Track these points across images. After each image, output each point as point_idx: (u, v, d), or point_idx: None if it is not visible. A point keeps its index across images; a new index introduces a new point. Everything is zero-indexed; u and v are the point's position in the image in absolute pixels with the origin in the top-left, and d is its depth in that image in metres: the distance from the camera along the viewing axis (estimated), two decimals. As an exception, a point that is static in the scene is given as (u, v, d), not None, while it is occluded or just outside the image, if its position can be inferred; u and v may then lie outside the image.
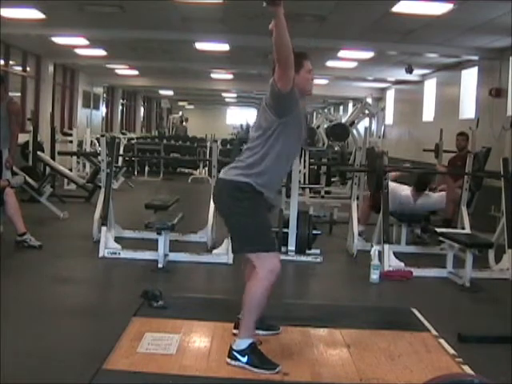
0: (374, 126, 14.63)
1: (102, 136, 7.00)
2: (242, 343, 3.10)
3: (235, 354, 3.10)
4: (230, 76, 16.53)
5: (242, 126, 28.58)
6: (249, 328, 3.13)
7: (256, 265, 3.10)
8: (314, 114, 27.65)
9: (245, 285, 3.20)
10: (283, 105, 3.06)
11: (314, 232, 6.26)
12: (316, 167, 10.58)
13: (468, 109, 10.18)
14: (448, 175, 7.41)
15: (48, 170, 10.14)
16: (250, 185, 3.11)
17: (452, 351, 3.48)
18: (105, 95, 19.47)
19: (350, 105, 19.99)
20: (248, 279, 3.23)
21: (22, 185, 7.69)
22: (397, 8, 7.04)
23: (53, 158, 10.74)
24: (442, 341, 3.66)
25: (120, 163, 11.42)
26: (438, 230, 6.01)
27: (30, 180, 8.20)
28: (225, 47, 10.59)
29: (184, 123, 24.73)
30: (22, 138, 8.71)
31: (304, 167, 9.32)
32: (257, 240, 3.12)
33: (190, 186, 13.52)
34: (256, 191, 3.13)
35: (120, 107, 21.45)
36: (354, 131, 13.02)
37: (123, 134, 19.29)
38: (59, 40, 10.33)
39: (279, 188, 3.43)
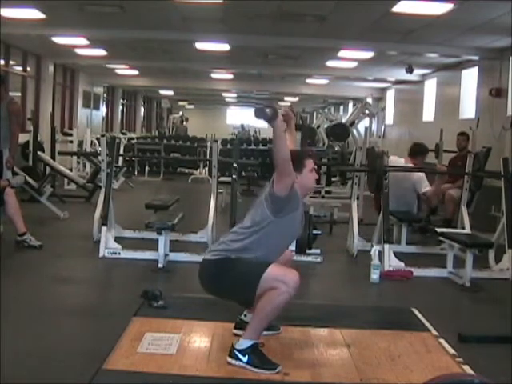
0: (374, 126, 14.63)
1: (102, 136, 7.01)
2: (244, 343, 3.10)
3: (236, 353, 3.10)
4: (230, 76, 16.54)
5: (242, 125, 28.60)
6: (256, 332, 3.13)
7: (275, 285, 3.01)
8: (314, 113, 27.68)
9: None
10: (279, 206, 3.11)
11: (314, 232, 6.23)
12: (317, 167, 10.57)
13: (468, 109, 10.18)
14: (448, 175, 7.42)
15: (48, 169, 10.14)
16: (229, 258, 3.12)
17: (452, 351, 3.48)
18: (105, 95, 19.47)
19: (350, 105, 19.99)
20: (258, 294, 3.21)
21: (23, 185, 7.69)
22: (397, 8, 7.04)
23: (53, 157, 10.74)
24: (442, 341, 3.66)
25: (120, 163, 11.41)
26: (438, 229, 6.01)
27: (30, 180, 8.20)
28: (225, 47, 10.58)
29: (184, 123, 24.72)
30: (23, 137, 8.71)
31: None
32: (249, 277, 3.07)
33: (190, 186, 13.51)
34: (234, 259, 3.13)
35: (120, 107, 21.45)
36: (354, 131, 13.02)
37: (123, 133, 19.29)
38: (59, 40, 10.33)
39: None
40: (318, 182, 10.15)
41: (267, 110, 2.91)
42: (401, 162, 6.84)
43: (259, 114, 2.92)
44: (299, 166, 3.18)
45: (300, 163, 3.20)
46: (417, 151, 6.90)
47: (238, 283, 3.14)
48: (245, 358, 3.07)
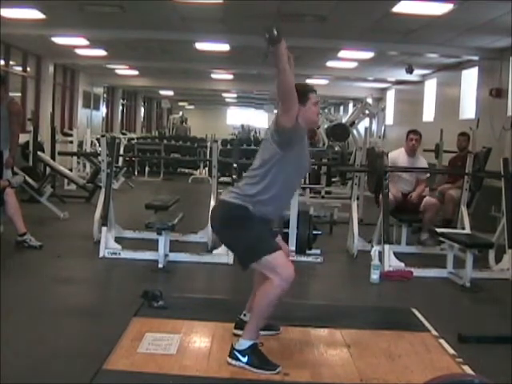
0: (374, 126, 14.62)
1: (103, 136, 7.01)
2: (244, 343, 3.10)
3: (236, 353, 3.10)
4: (231, 76, 16.54)
5: (242, 126, 28.59)
6: (254, 331, 3.14)
7: (268, 274, 3.06)
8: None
9: (245, 285, 3.21)
10: (286, 139, 3.11)
11: (315, 232, 6.26)
12: (316, 167, 10.57)
13: (468, 109, 10.18)
14: (448, 175, 7.42)
15: (48, 170, 10.14)
16: (248, 209, 3.13)
17: (452, 351, 3.49)
18: (105, 95, 19.47)
19: (351, 105, 20.00)
20: (257, 287, 3.24)
21: (22, 184, 7.69)
22: (397, 8, 7.04)
23: (53, 158, 10.73)
24: (442, 341, 3.66)
25: (120, 163, 11.43)
26: (438, 230, 6.01)
27: (30, 180, 8.20)
28: (225, 47, 10.59)
29: (184, 123, 24.73)
30: (23, 138, 8.70)
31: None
32: (258, 247, 3.11)
33: (190, 186, 13.52)
34: (255, 216, 3.14)
35: (120, 107, 21.45)
36: (355, 131, 13.02)
37: (123, 134, 19.30)
38: (59, 40, 10.34)
39: (281, 213, 3.52)
40: (318, 180, 10.26)
41: (275, 31, 2.80)
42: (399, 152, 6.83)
43: (269, 34, 2.80)
44: (303, 99, 3.15)
45: (304, 96, 3.17)
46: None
47: (244, 243, 3.15)
48: (244, 359, 3.08)
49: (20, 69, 12.38)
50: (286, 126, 3.06)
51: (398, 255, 5.74)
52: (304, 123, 3.18)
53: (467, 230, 6.17)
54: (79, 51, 11.93)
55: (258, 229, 3.15)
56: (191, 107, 32.42)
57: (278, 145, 3.11)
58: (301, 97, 3.10)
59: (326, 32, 8.76)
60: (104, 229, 5.88)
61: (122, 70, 15.77)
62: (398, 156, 6.78)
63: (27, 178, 8.11)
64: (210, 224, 6.16)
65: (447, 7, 6.81)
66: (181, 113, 26.78)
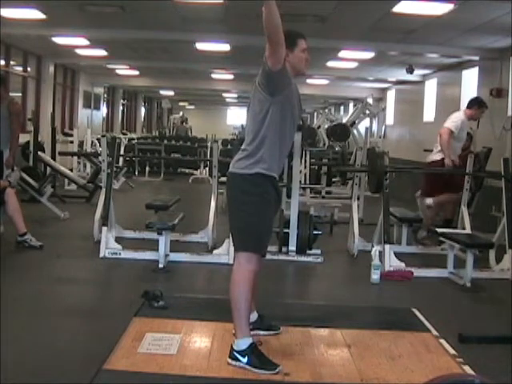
0: (374, 127, 14.64)
1: (103, 136, 7.00)
2: (241, 344, 3.10)
3: (236, 354, 3.10)
4: (231, 76, 16.53)
5: (242, 126, 28.59)
6: (241, 327, 3.13)
7: (239, 261, 3.15)
8: (315, 114, 27.66)
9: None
10: (274, 83, 3.06)
11: (315, 232, 6.26)
12: (317, 167, 10.58)
13: (469, 109, 10.16)
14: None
15: (49, 170, 10.15)
16: (259, 174, 3.12)
17: (453, 351, 3.49)
18: (105, 95, 19.47)
19: (351, 105, 19.97)
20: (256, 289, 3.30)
21: (22, 184, 7.69)
22: (397, 8, 7.03)
23: (53, 158, 10.75)
24: (442, 341, 3.66)
25: (121, 163, 11.44)
26: (439, 230, 6.01)
27: (30, 180, 8.20)
28: (225, 47, 10.58)
29: (185, 123, 24.72)
30: (23, 138, 8.71)
31: (305, 167, 9.31)
32: (253, 240, 3.16)
33: (190, 186, 13.52)
34: (266, 177, 3.14)
35: (121, 107, 21.45)
36: (355, 131, 13.04)
37: (124, 134, 19.31)
38: (60, 40, 10.33)
39: (284, 162, 3.50)
40: (318, 180, 10.26)
41: None
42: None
43: None
44: (291, 44, 3.11)
45: (292, 41, 3.13)
46: (472, 101, 7.07)
47: (239, 225, 3.20)
48: (244, 359, 3.08)
49: (20, 69, 12.38)
50: (274, 68, 3.00)
51: (398, 255, 5.73)
52: (291, 69, 3.14)
53: (468, 230, 6.17)
54: (80, 51, 11.92)
55: (265, 218, 3.19)
56: (191, 107, 32.41)
57: (266, 90, 3.08)
58: (289, 42, 3.04)
59: (326, 32, 8.75)
60: (104, 229, 5.88)
61: (123, 70, 15.76)
62: (463, 120, 6.95)
63: (28, 178, 8.11)
64: (209, 224, 6.24)
65: (447, 7, 6.81)
66: (181, 113, 26.76)
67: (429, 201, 6.92)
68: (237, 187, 3.21)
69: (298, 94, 3.30)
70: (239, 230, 3.22)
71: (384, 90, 15.96)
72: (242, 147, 3.24)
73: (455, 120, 6.92)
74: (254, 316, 3.47)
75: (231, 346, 3.14)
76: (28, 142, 9.90)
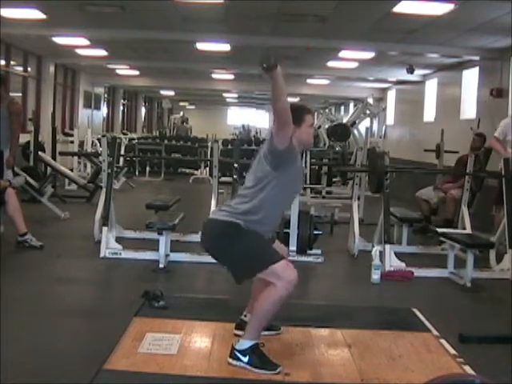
0: (375, 127, 14.63)
1: (103, 136, 7.00)
2: (244, 343, 3.10)
3: (237, 353, 3.10)
4: (231, 76, 16.53)
5: (243, 126, 28.59)
6: (256, 331, 3.13)
7: (272, 280, 3.03)
8: (315, 114, 27.68)
9: (246, 285, 3.20)
10: (279, 159, 3.10)
11: (315, 232, 6.25)
12: (317, 167, 10.57)
13: (469, 109, 10.16)
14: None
15: (49, 170, 10.15)
16: (240, 225, 3.11)
17: (453, 351, 3.48)
18: (106, 95, 19.47)
19: (351, 105, 19.98)
20: (256, 291, 3.25)
21: (23, 185, 7.69)
22: (398, 8, 7.03)
23: (54, 158, 10.75)
24: (443, 341, 3.66)
25: (121, 163, 11.43)
26: (439, 230, 6.00)
27: (31, 180, 8.20)
28: (226, 47, 10.58)
29: (185, 124, 24.73)
30: (23, 138, 8.70)
31: (305, 167, 9.30)
32: (261, 258, 3.10)
33: (191, 186, 13.53)
34: (248, 230, 3.12)
35: (121, 107, 21.45)
36: (355, 131, 13.03)
37: (124, 134, 19.30)
38: (60, 40, 10.34)
39: (273, 231, 3.53)
40: (319, 180, 10.26)
41: (271, 58, 2.81)
42: None
43: (265, 61, 2.80)
44: (298, 120, 3.15)
45: (299, 117, 3.17)
46: None
47: (243, 257, 3.12)
48: (245, 359, 3.07)
49: (21, 69, 12.38)
50: (280, 147, 3.06)
51: (398, 255, 5.73)
52: (298, 144, 3.19)
53: (468, 230, 6.17)
54: (80, 51, 11.92)
55: (254, 241, 3.13)
56: (192, 107, 32.41)
57: (271, 165, 3.11)
58: (296, 118, 3.11)
59: (326, 32, 8.75)
60: (105, 229, 5.88)
61: (123, 70, 15.77)
62: (506, 123, 6.85)
63: (28, 179, 8.12)
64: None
65: (448, 7, 6.81)
66: (181, 113, 26.78)
67: None
68: (213, 232, 3.19)
69: (301, 169, 3.38)
70: (243, 257, 3.13)
71: (384, 90, 15.96)
72: (233, 202, 3.23)
73: (500, 125, 6.88)
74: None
75: (232, 346, 3.14)
76: (28, 142, 9.90)
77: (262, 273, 3.07)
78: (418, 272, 5.59)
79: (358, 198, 7.03)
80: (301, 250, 6.09)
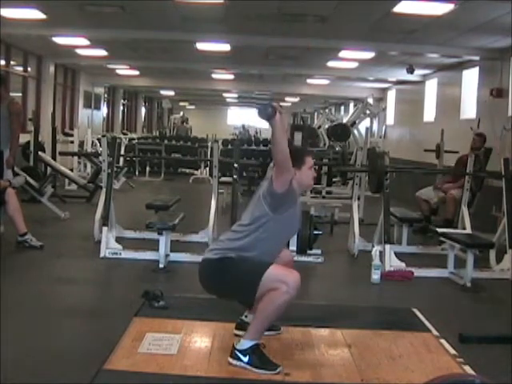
0: (375, 127, 14.63)
1: (103, 136, 7.00)
2: (245, 343, 3.10)
3: (237, 353, 3.10)
4: (231, 76, 16.53)
5: (243, 126, 28.59)
6: (257, 332, 3.13)
7: (276, 285, 3.01)
8: (315, 114, 27.66)
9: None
10: (278, 202, 3.12)
11: (315, 232, 6.24)
12: (317, 167, 10.57)
13: (469, 109, 10.16)
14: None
15: (49, 170, 10.15)
16: (232, 258, 3.12)
17: (453, 351, 3.49)
18: (106, 95, 19.47)
19: (351, 105, 19.97)
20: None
21: (23, 185, 7.69)
22: (398, 8, 7.02)
23: (54, 158, 10.75)
24: (443, 341, 3.66)
25: (121, 163, 11.43)
26: (439, 230, 6.00)
27: (31, 180, 8.20)
28: (226, 47, 10.58)
29: (185, 124, 24.73)
30: (23, 138, 8.71)
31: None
32: (251, 276, 3.07)
33: (191, 186, 13.52)
34: (240, 258, 3.13)
35: (121, 107, 21.44)
36: (355, 131, 13.03)
37: (124, 134, 19.30)
38: (60, 40, 10.33)
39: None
40: (317, 181, 10.25)
41: (269, 109, 2.91)
42: None
43: (262, 113, 2.91)
44: (299, 163, 3.19)
45: (300, 160, 3.21)
46: None
47: (238, 282, 3.13)
48: (246, 359, 3.07)
49: (21, 69, 12.38)
50: (279, 191, 3.08)
51: (398, 255, 5.73)
52: (298, 186, 3.20)
53: (468, 230, 6.17)
54: (80, 51, 11.92)
55: (242, 265, 3.12)
56: (192, 107, 32.40)
57: (269, 207, 3.12)
58: (297, 160, 3.14)
59: (326, 32, 8.75)
60: (105, 229, 5.88)
61: (123, 70, 15.76)
62: None
63: (28, 179, 8.11)
64: (210, 224, 6.24)
65: (448, 7, 6.80)
66: (181, 113, 26.78)
67: None
68: (214, 267, 3.18)
69: (300, 209, 3.38)
70: (242, 282, 3.11)
71: (384, 90, 15.96)
72: (225, 237, 3.25)
73: None
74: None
75: (233, 346, 3.14)
76: (28, 142, 9.90)
77: (261, 287, 3.05)
78: (418, 272, 5.59)
79: (358, 198, 7.03)
80: (301, 250, 6.08)
